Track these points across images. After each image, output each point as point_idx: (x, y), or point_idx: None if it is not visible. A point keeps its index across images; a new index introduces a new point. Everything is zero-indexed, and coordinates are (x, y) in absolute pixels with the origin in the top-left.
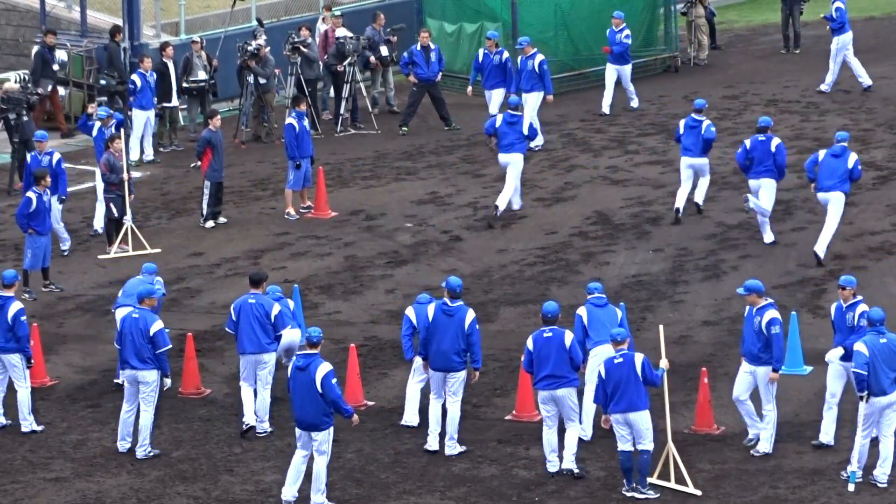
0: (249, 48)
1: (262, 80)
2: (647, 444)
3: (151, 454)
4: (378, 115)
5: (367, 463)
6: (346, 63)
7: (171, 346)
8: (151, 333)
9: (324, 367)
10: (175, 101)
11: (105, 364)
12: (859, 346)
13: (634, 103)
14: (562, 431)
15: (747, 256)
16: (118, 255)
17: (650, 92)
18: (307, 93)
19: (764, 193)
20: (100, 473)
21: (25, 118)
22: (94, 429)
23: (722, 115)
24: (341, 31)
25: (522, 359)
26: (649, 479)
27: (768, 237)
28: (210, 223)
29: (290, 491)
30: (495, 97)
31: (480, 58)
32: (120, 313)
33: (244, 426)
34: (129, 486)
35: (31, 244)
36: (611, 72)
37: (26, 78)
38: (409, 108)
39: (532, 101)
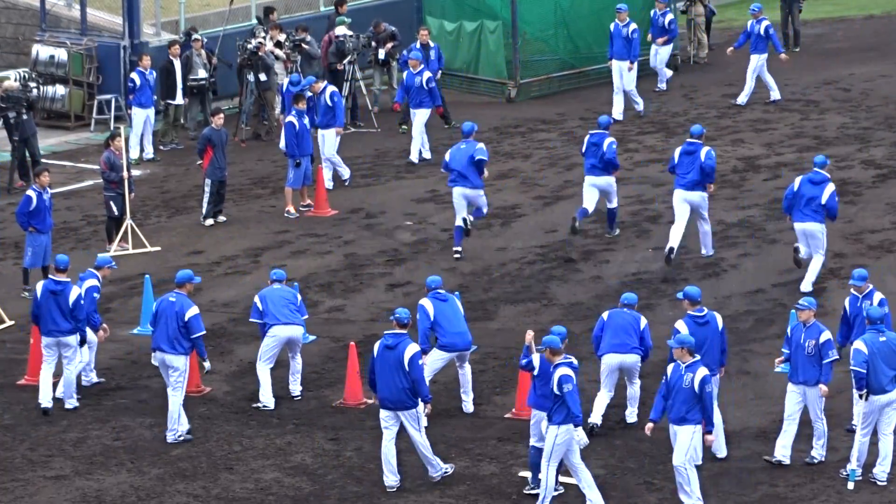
0: (249, 46)
1: (262, 78)
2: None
3: (182, 438)
4: (378, 113)
5: (367, 461)
6: (345, 61)
7: (204, 331)
8: (187, 318)
9: (413, 347)
10: (180, 100)
11: (105, 362)
12: (858, 345)
13: (426, 154)
14: None
15: (746, 255)
16: (118, 253)
17: (650, 90)
18: None
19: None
20: (99, 471)
21: (25, 116)
22: (93, 427)
23: (722, 114)
24: (341, 30)
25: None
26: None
27: None
28: (210, 221)
29: (391, 480)
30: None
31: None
32: (274, 331)
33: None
34: (128, 484)
35: (32, 242)
36: (419, 116)
37: (26, 76)
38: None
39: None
